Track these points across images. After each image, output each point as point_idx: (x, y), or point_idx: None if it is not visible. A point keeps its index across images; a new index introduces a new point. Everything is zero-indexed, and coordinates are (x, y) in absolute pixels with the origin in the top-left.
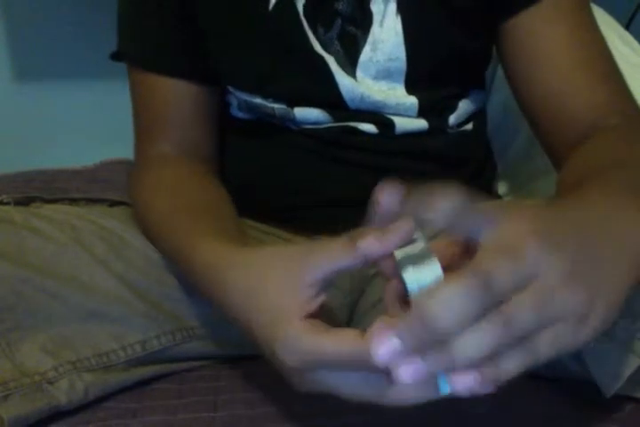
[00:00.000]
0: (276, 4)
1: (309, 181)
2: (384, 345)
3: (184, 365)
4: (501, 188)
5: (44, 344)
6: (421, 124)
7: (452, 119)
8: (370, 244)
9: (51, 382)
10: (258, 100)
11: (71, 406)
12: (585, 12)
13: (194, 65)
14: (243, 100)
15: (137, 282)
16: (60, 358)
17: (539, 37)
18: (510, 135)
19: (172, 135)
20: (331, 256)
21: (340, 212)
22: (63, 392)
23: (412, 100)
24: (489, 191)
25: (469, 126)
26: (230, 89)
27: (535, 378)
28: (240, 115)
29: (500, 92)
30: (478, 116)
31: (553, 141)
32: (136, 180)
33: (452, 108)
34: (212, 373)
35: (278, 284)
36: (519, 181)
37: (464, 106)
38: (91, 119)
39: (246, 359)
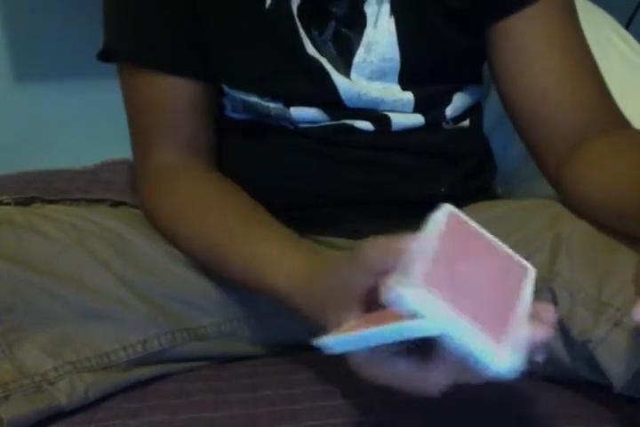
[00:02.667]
0: (272, 4)
1: (306, 180)
2: None
3: (184, 365)
4: (500, 187)
5: (44, 345)
6: (418, 119)
7: (449, 112)
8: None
9: (51, 383)
10: (254, 100)
11: (71, 406)
12: (573, 19)
13: (194, 61)
14: (239, 100)
15: (138, 282)
16: (60, 359)
17: (526, 41)
18: (510, 135)
19: (176, 136)
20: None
21: (338, 211)
22: (63, 393)
23: (409, 96)
24: (488, 191)
25: (466, 123)
26: (226, 89)
27: (532, 378)
28: (235, 116)
29: None
30: (474, 111)
31: (538, 144)
32: (151, 196)
33: (448, 101)
34: (211, 373)
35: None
36: (518, 181)
37: (459, 99)
38: (91, 119)
39: (246, 359)
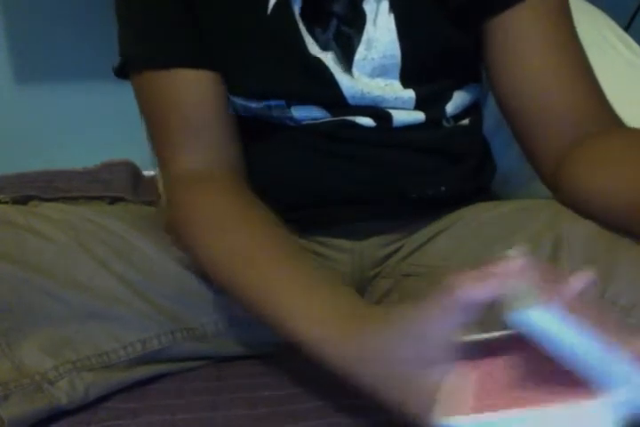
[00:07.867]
0: (274, 8)
1: (306, 177)
2: None
3: (184, 364)
4: (500, 188)
5: (44, 344)
6: (418, 116)
7: (449, 109)
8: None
9: (51, 382)
10: (255, 105)
11: (71, 406)
12: (565, 16)
13: (209, 57)
14: (239, 103)
15: (137, 282)
16: (60, 358)
17: (518, 40)
18: (509, 136)
19: (202, 139)
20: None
21: (338, 210)
22: (63, 392)
23: (410, 94)
24: (488, 191)
25: (466, 121)
26: (229, 95)
27: None
28: (236, 113)
29: None
30: (474, 111)
31: (532, 143)
32: (179, 205)
33: (448, 98)
34: (211, 373)
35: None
36: (519, 182)
37: (459, 96)
38: (91, 120)
39: (246, 359)
